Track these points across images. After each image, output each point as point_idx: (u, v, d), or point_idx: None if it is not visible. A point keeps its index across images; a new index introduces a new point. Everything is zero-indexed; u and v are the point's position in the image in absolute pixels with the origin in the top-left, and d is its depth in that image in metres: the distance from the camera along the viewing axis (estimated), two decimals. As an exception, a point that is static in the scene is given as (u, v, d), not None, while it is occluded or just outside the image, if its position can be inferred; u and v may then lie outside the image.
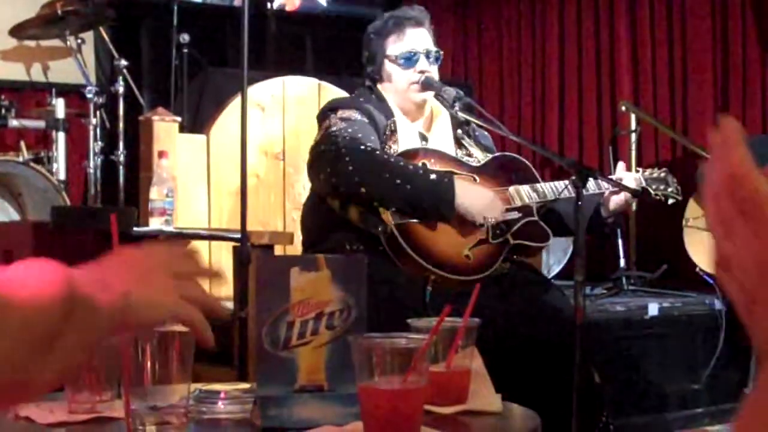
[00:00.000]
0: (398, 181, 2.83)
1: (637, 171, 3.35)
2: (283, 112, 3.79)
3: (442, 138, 3.16)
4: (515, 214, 3.03)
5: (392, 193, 2.84)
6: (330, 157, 2.90)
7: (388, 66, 3.16)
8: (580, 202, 2.68)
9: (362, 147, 2.89)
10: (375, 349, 1.43)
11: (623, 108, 5.21)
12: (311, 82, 3.90)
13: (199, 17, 6.13)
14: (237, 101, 3.42)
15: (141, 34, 6.11)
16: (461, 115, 3.17)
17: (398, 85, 3.14)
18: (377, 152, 2.91)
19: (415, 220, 2.87)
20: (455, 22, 6.90)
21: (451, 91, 3.14)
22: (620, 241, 4.95)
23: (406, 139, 3.06)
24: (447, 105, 3.15)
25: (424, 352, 1.43)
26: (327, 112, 3.11)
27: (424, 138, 3.14)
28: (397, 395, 1.42)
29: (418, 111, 3.17)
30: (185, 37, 5.31)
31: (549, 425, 1.94)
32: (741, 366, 4.07)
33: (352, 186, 2.85)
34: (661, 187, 3.29)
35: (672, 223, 4.72)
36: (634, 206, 5.22)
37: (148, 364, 1.47)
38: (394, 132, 3.06)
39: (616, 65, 5.92)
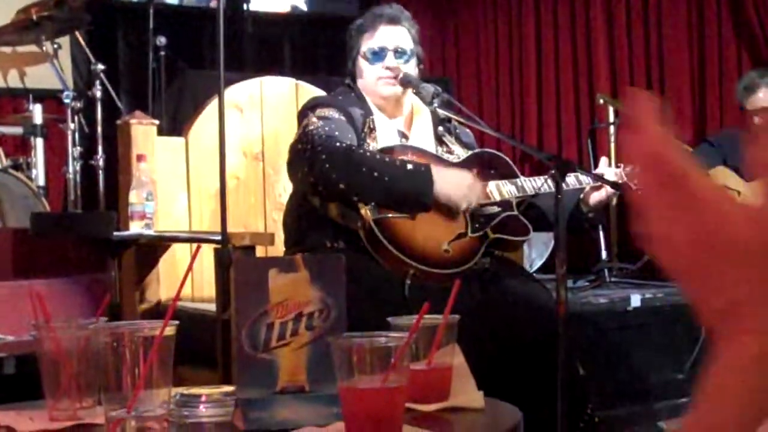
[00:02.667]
0: (376, 174, 2.84)
1: (618, 167, 3.36)
2: (262, 113, 3.77)
3: (423, 136, 3.17)
4: (495, 209, 3.04)
5: (371, 187, 2.85)
6: (307, 156, 2.91)
7: (360, 62, 3.20)
8: (559, 195, 2.69)
9: (338, 144, 2.90)
10: (355, 349, 1.43)
11: (601, 100, 5.22)
12: (289, 82, 3.88)
13: (176, 20, 6.12)
14: (214, 103, 3.41)
15: (117, 37, 6.10)
16: (441, 112, 3.18)
17: (367, 80, 3.17)
18: (353, 148, 2.92)
19: (393, 215, 2.87)
20: (433, 19, 6.90)
21: (429, 88, 3.14)
22: (602, 234, 4.96)
23: (384, 136, 3.07)
24: (425, 102, 3.15)
25: (403, 350, 1.43)
26: (306, 110, 3.12)
27: (404, 136, 3.15)
28: (377, 395, 1.42)
29: (395, 108, 3.17)
30: (162, 40, 5.29)
31: (533, 419, 1.95)
32: (724, 355, 4.07)
33: (331, 183, 2.86)
34: None
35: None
36: (614, 199, 5.24)
37: (128, 368, 1.47)
38: (372, 129, 3.08)
39: (593, 58, 5.94)
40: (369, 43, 3.18)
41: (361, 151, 2.93)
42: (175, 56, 5.41)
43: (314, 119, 3.02)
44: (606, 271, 4.76)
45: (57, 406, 1.65)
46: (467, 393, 1.73)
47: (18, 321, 3.33)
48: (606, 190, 3.10)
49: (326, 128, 2.96)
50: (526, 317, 2.85)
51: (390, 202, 2.87)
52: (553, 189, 3.06)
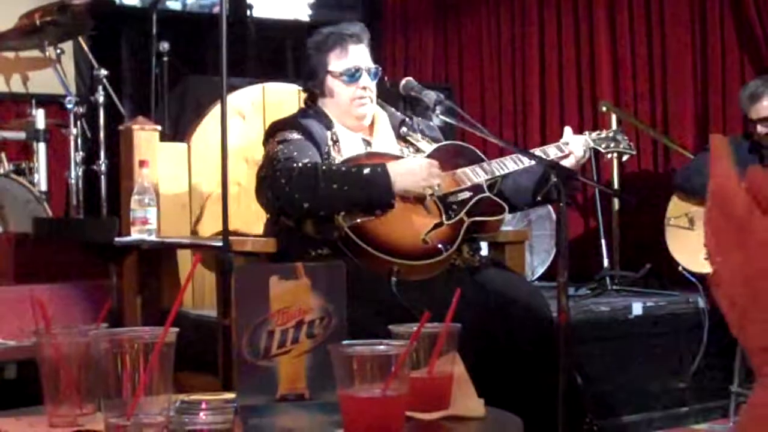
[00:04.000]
0: (335, 187, 2.88)
1: (583, 134, 3.36)
2: (264, 119, 3.77)
3: (385, 139, 3.20)
4: (466, 194, 3.07)
5: (333, 200, 2.88)
6: (269, 183, 2.97)
7: (330, 82, 3.19)
8: (562, 203, 2.68)
9: (295, 165, 2.94)
10: (355, 357, 1.43)
11: (603, 108, 5.22)
12: (291, 88, 3.88)
13: (179, 25, 6.13)
14: (217, 109, 3.41)
15: (120, 43, 6.10)
16: (404, 115, 3.22)
17: (341, 101, 3.18)
18: (309, 166, 2.94)
19: (366, 218, 2.90)
20: (435, 25, 6.91)
21: (432, 95, 3.15)
22: (603, 241, 4.96)
23: (349, 147, 3.12)
24: (428, 108, 3.16)
25: (404, 359, 1.43)
26: (267, 136, 3.18)
27: (368, 144, 3.17)
28: (378, 403, 1.41)
29: (357, 124, 3.20)
30: (165, 46, 5.29)
31: (534, 428, 1.94)
32: (725, 364, 4.07)
33: (295, 205, 2.91)
34: (612, 144, 3.31)
35: (655, 222, 4.73)
36: (616, 206, 5.24)
37: (128, 375, 1.47)
38: (336, 142, 3.12)
39: (596, 66, 5.94)
40: (340, 63, 3.18)
41: (318, 166, 2.95)
42: (178, 62, 5.41)
43: (274, 144, 3.07)
44: (608, 279, 4.76)
45: (57, 413, 1.64)
46: (468, 401, 1.73)
47: (19, 326, 3.33)
48: (574, 158, 3.12)
49: (285, 151, 3.01)
50: (524, 325, 2.84)
51: (355, 210, 2.91)
52: (520, 165, 3.09)
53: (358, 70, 3.16)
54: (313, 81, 3.22)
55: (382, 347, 1.47)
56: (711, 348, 4.22)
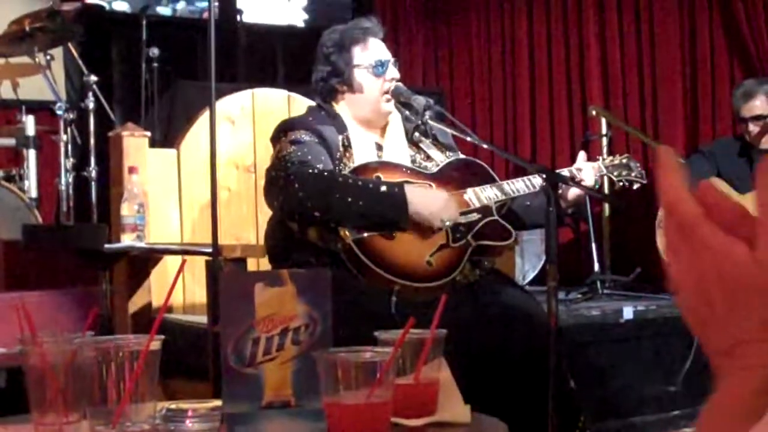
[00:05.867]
0: (350, 200, 2.82)
1: (596, 159, 3.35)
2: (254, 125, 3.77)
3: (397, 144, 3.14)
4: (474, 216, 3.02)
5: (346, 212, 2.83)
6: (281, 184, 2.90)
7: (359, 76, 3.12)
8: (551, 208, 2.68)
9: (311, 171, 2.88)
10: (340, 364, 1.43)
11: (593, 112, 5.23)
12: (281, 93, 3.88)
13: (169, 31, 6.14)
14: (206, 114, 3.41)
15: (110, 49, 6.11)
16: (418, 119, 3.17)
17: (370, 95, 3.12)
18: (326, 173, 2.89)
19: (373, 234, 2.86)
20: (425, 30, 6.91)
21: (421, 100, 3.13)
22: (594, 246, 4.96)
23: (361, 151, 3.05)
24: (417, 114, 3.14)
25: (389, 365, 1.43)
26: (278, 134, 3.09)
27: (380, 147, 3.12)
28: (363, 410, 1.41)
29: (381, 119, 3.15)
30: (155, 51, 5.30)
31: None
32: (716, 367, 4.07)
33: (306, 211, 2.85)
34: (624, 172, 3.29)
35: (645, 226, 4.74)
36: (607, 210, 5.24)
37: (113, 383, 1.46)
38: (348, 147, 3.05)
39: (586, 70, 5.96)
40: (365, 55, 3.13)
41: (335, 176, 2.90)
42: (168, 67, 5.41)
43: (287, 144, 2.99)
44: (599, 283, 4.76)
45: (42, 421, 1.64)
46: (454, 407, 1.73)
47: (8, 333, 3.32)
48: (583, 186, 3.10)
49: (299, 153, 2.94)
50: (516, 330, 2.84)
51: (366, 225, 2.85)
52: (531, 189, 3.07)
53: (385, 62, 3.12)
54: (339, 78, 3.14)
55: (367, 354, 1.47)
56: (701, 351, 4.21)
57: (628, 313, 4.20)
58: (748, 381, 0.69)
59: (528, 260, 5.38)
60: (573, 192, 3.08)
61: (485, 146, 3.35)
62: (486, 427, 1.73)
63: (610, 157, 3.36)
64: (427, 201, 2.91)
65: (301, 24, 7.03)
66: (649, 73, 5.72)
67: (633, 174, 3.30)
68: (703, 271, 0.71)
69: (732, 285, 0.70)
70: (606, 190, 5.05)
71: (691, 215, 0.72)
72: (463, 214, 3.00)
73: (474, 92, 6.58)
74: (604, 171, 3.25)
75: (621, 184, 3.30)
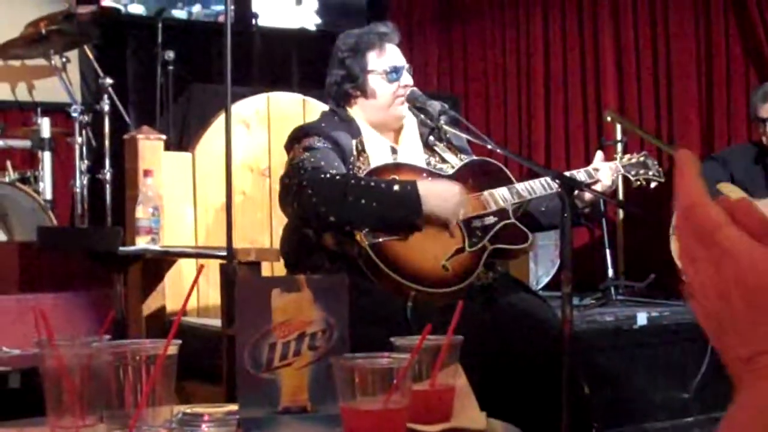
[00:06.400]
0: (363, 202, 2.81)
1: (614, 158, 3.33)
2: (269, 128, 3.78)
3: (412, 147, 3.13)
4: (491, 219, 3.01)
5: (360, 215, 2.82)
6: (295, 191, 2.89)
7: (372, 81, 3.13)
8: (566, 214, 2.68)
9: (323, 176, 2.87)
10: (357, 370, 1.42)
11: (608, 118, 5.22)
12: (296, 97, 3.89)
13: (184, 34, 6.15)
14: (221, 118, 3.41)
15: (126, 51, 6.12)
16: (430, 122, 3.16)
17: (383, 100, 3.12)
18: (338, 177, 2.89)
19: (389, 238, 2.85)
20: (440, 34, 6.91)
21: (435, 105, 3.13)
22: (608, 252, 4.95)
23: (376, 155, 3.04)
24: (432, 119, 3.14)
25: (406, 371, 1.43)
26: (292, 141, 3.10)
27: (394, 151, 3.12)
28: (379, 416, 1.41)
29: (395, 124, 3.15)
30: (170, 55, 5.31)
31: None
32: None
33: (320, 216, 2.85)
34: (641, 171, 3.28)
35: (659, 232, 4.73)
36: (621, 216, 5.23)
37: (130, 387, 1.47)
38: (362, 151, 3.05)
39: (602, 75, 5.95)
40: (380, 61, 3.13)
41: (348, 179, 2.90)
42: (184, 71, 5.42)
43: (300, 151, 2.99)
44: (612, 289, 4.75)
45: (59, 424, 1.64)
46: (469, 414, 1.72)
47: (23, 335, 3.34)
48: (601, 185, 3.09)
49: (312, 159, 2.94)
50: (530, 335, 2.83)
51: (382, 227, 2.84)
52: (548, 191, 3.06)
53: (399, 68, 3.13)
54: (353, 83, 3.14)
55: (383, 360, 1.47)
56: (715, 358, 4.20)
57: (641, 319, 4.19)
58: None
59: (542, 265, 5.38)
60: (589, 193, 3.07)
61: (500, 150, 3.34)
62: (501, 434, 1.72)
63: (627, 156, 3.34)
64: (440, 196, 2.90)
65: (312, 28, 7.02)
66: (664, 77, 5.71)
67: (651, 173, 3.28)
68: (725, 278, 0.69)
69: (754, 293, 0.68)
70: (623, 190, 5.06)
71: (712, 219, 0.70)
72: (479, 217, 2.99)
73: (488, 97, 6.58)
74: (622, 170, 3.24)
75: (638, 183, 3.29)
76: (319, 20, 7.08)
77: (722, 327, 0.71)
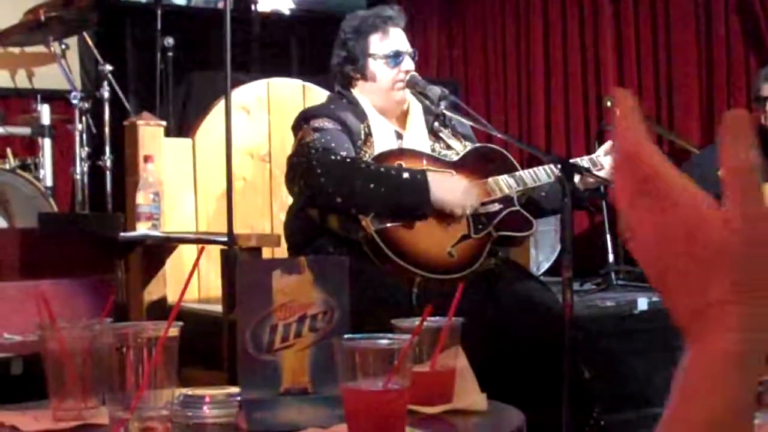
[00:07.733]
0: (372, 186, 2.82)
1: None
2: (269, 114, 3.78)
3: (417, 133, 3.14)
4: (496, 206, 3.02)
5: (368, 199, 2.83)
6: (302, 170, 2.90)
7: (372, 65, 3.13)
8: (566, 199, 2.68)
9: (333, 157, 2.88)
10: (357, 351, 1.43)
11: (608, 103, 5.21)
12: (296, 83, 3.89)
13: (184, 21, 6.13)
14: (221, 104, 3.41)
15: (125, 38, 6.10)
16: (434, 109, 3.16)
17: (382, 84, 3.12)
18: (348, 160, 2.89)
19: (394, 224, 2.85)
20: (440, 21, 6.90)
21: (436, 90, 3.13)
22: (609, 237, 4.95)
23: (381, 140, 3.05)
24: (432, 104, 3.14)
25: (406, 352, 1.43)
26: (300, 122, 3.10)
27: (399, 136, 3.12)
28: (380, 396, 1.42)
29: (396, 109, 3.16)
30: (170, 41, 5.30)
31: (539, 422, 1.95)
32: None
33: (328, 197, 2.85)
34: None
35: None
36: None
37: (131, 369, 1.47)
38: (369, 135, 3.05)
39: (601, 60, 5.94)
40: (382, 45, 3.13)
41: (357, 162, 2.90)
42: (183, 57, 5.41)
43: (309, 131, 2.99)
44: (613, 274, 4.75)
45: (61, 407, 1.65)
46: (470, 395, 1.73)
47: (25, 321, 3.34)
48: (604, 171, 3.09)
49: (322, 140, 2.94)
50: (531, 320, 2.84)
51: (388, 212, 2.85)
52: (552, 178, 3.07)
53: (401, 53, 3.13)
54: (353, 66, 3.15)
55: (384, 341, 1.47)
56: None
57: (642, 304, 4.19)
58: (719, 345, 0.66)
59: (542, 251, 5.38)
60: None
61: (500, 136, 3.34)
62: (502, 415, 1.73)
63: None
64: (449, 188, 2.91)
65: (312, 13, 7.00)
66: (664, 63, 5.70)
67: None
68: (671, 228, 0.67)
69: (702, 245, 0.66)
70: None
71: (655, 166, 0.67)
72: (484, 204, 3.00)
73: (489, 82, 6.57)
74: None
75: None
76: (320, 5, 7.05)
77: (669, 280, 0.68)
